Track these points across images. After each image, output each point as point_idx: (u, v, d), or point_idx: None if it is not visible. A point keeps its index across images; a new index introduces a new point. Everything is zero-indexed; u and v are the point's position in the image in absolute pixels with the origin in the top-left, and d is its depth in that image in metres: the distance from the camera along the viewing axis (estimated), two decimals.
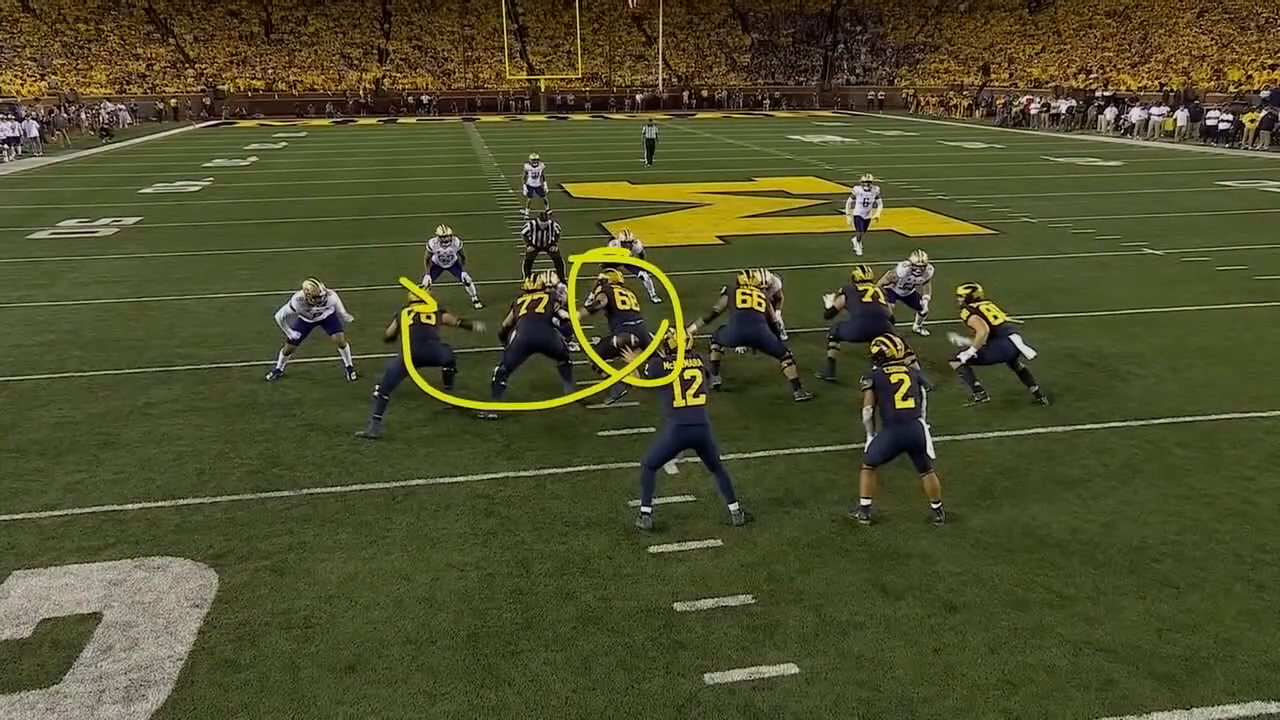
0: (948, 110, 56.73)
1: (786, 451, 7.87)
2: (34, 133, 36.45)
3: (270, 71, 63.40)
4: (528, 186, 19.85)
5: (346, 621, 5.45)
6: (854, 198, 15.31)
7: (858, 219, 15.29)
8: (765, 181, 25.70)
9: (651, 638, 5.32)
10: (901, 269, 10.87)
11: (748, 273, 9.83)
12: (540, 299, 9.13)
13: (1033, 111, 46.77)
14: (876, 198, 15.12)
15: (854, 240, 15.65)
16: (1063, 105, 46.01)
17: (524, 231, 13.65)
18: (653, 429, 8.29)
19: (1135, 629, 5.39)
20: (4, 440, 8.02)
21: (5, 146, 33.51)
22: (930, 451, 6.65)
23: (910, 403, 6.55)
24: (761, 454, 7.83)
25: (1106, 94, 46.33)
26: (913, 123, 50.45)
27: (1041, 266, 14.82)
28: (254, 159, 33.55)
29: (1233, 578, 5.91)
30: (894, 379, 6.61)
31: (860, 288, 9.84)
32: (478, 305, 12.16)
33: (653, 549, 6.29)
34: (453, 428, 8.37)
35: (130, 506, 6.81)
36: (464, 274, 12.45)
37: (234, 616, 5.46)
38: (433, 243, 12.29)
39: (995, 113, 50.93)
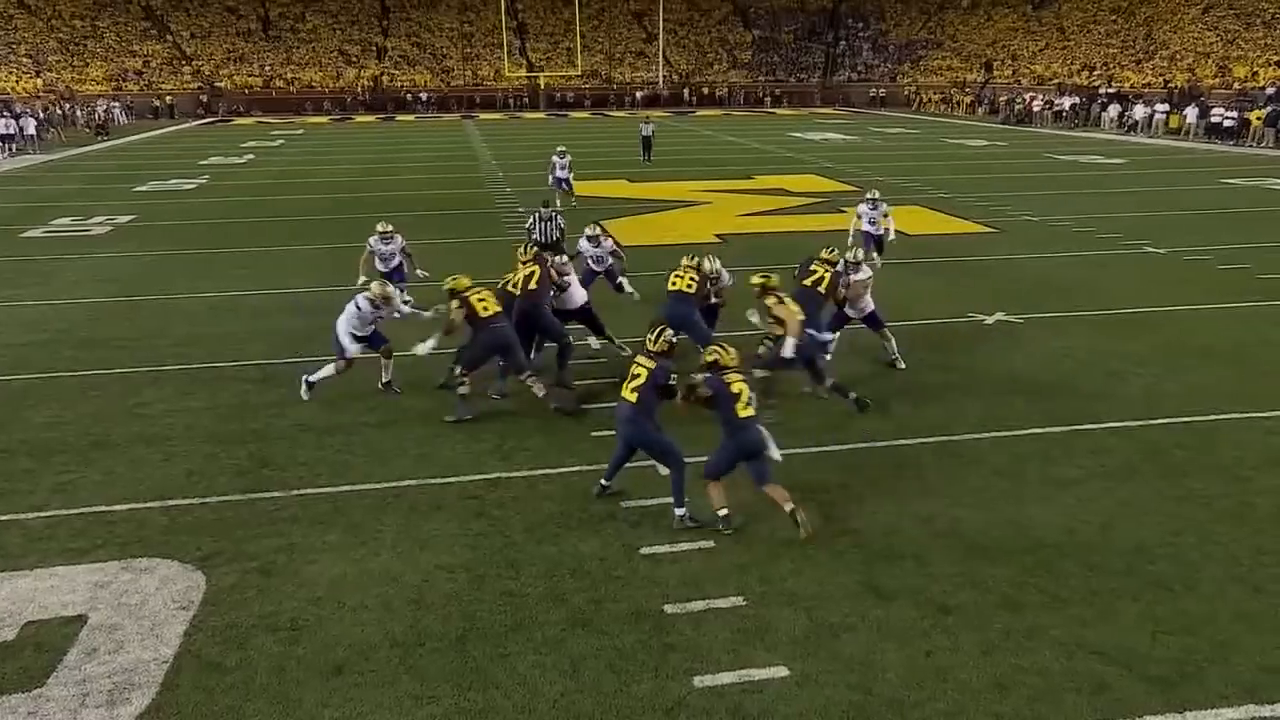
0: (950, 108, 56.69)
1: (781, 451, 7.82)
2: (31, 130, 36.48)
3: (268, 69, 63.41)
4: (554, 178, 20.32)
5: (334, 623, 5.44)
6: (859, 215, 13.84)
7: (866, 235, 13.68)
8: (765, 179, 25.68)
9: (641, 640, 5.31)
10: (862, 208, 12.91)
11: (690, 257, 9.86)
12: (533, 272, 9.12)
13: (1036, 109, 46.72)
14: (884, 215, 13.62)
15: (872, 254, 13.07)
16: (1066, 102, 45.99)
17: (527, 225, 13.38)
18: None
19: (1129, 631, 5.37)
20: None
21: (0, 144, 33.54)
22: (774, 453, 6.49)
23: (751, 410, 6.51)
24: None
25: (1110, 91, 46.30)
26: (915, 120, 50.41)
27: (1041, 265, 14.80)
28: (250, 157, 33.54)
29: (1229, 579, 5.89)
30: (734, 388, 6.49)
31: (813, 268, 9.45)
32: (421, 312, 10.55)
33: (644, 550, 6.29)
34: (446, 427, 8.36)
35: (118, 508, 6.80)
36: (404, 280, 11.17)
37: (221, 619, 5.46)
38: (373, 240, 11.30)
39: (998, 110, 50.88)
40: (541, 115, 58.17)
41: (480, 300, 8.51)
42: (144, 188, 24.99)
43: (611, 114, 57.42)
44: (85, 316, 12.08)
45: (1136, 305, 12.35)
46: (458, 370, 8.69)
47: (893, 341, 9.96)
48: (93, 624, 5.37)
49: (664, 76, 65.41)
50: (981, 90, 56.70)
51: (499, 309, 8.61)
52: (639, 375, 6.66)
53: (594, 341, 10.29)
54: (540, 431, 8.27)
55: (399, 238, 11.40)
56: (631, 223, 18.76)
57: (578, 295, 9.95)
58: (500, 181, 25.41)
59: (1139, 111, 40.22)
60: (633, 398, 6.64)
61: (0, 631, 5.31)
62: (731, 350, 6.74)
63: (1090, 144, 35.42)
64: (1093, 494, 7.06)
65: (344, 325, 8.73)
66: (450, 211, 20.32)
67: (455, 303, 8.46)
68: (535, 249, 9.74)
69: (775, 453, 6.56)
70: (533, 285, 9.11)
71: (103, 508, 6.80)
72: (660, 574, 6.00)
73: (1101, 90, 47.03)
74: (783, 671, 5.03)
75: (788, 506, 6.38)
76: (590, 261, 11.40)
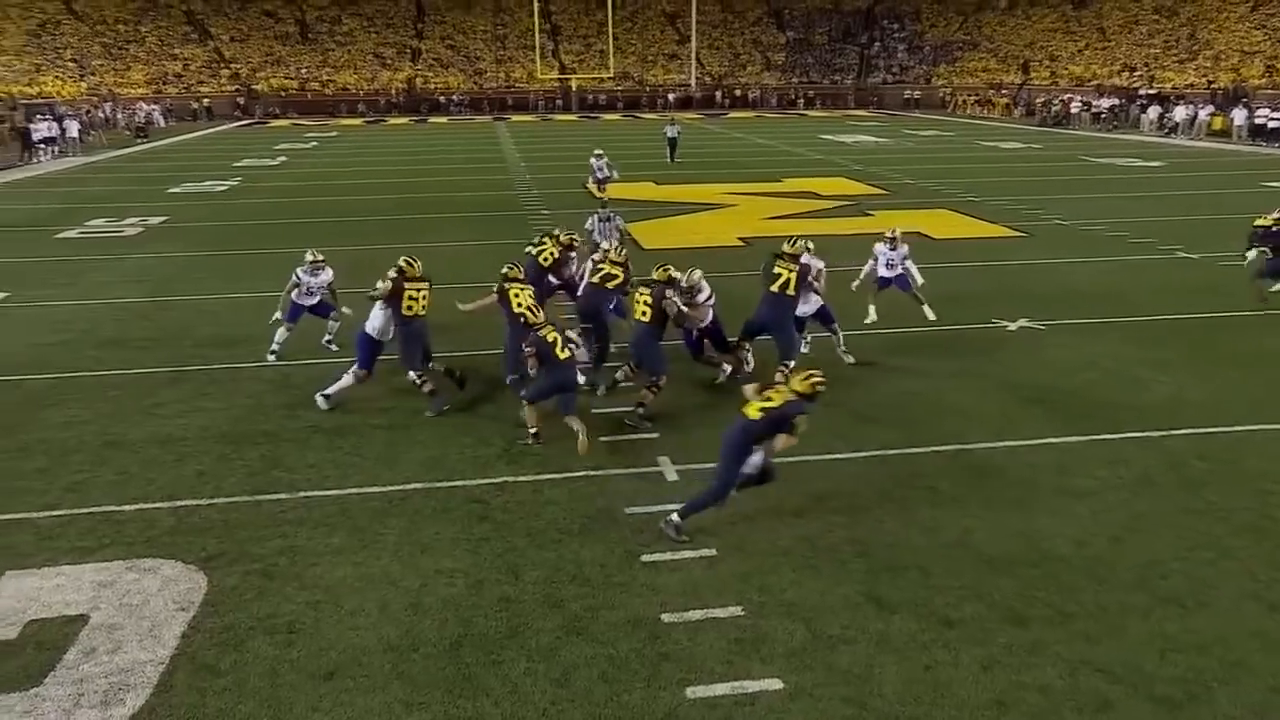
0: (985, 109, 56.01)
1: (791, 459, 7.75)
2: (73, 133, 37.22)
3: (304, 71, 64.23)
4: (596, 180, 20.67)
5: (330, 627, 5.47)
6: (876, 257, 11.30)
7: (881, 279, 11.35)
8: (793, 182, 25.52)
9: (635, 649, 5.27)
10: (879, 249, 11.13)
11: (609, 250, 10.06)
12: (615, 275, 9.61)
13: (1073, 110, 46.00)
14: (904, 259, 11.15)
15: (869, 301, 11.44)
16: (1104, 104, 45.22)
17: (586, 226, 13.04)
18: (657, 434, 8.27)
19: (1137, 648, 5.24)
20: (11, 439, 8.17)
21: (43, 146, 34.26)
22: (749, 467, 6.48)
23: (567, 353, 7.84)
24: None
25: (1150, 92, 45.46)
26: (949, 122, 49.87)
27: (1069, 270, 14.55)
28: (283, 159, 33.97)
29: (1244, 596, 5.73)
30: (549, 338, 7.81)
31: (776, 269, 9.11)
32: (333, 347, 10.58)
33: (645, 558, 6.25)
34: (456, 430, 8.38)
35: (128, 508, 6.89)
36: (332, 313, 10.50)
37: (219, 620, 5.50)
38: (300, 271, 10.17)
39: (1034, 112, 50.18)
40: (573, 117, 58.33)
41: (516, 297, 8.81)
42: (177, 189, 25.40)
43: (643, 116, 57.43)
44: (111, 316, 12.28)
45: (1165, 312, 12.09)
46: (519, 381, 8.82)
47: (841, 335, 10.17)
48: (94, 624, 5.44)
49: (696, 78, 65.30)
50: (1018, 92, 55.96)
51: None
52: (772, 400, 6.38)
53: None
54: (548, 437, 8.24)
55: (328, 270, 10.33)
56: (656, 225, 18.74)
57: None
58: (527, 183, 25.49)
59: (1180, 113, 39.43)
60: (756, 416, 6.36)
61: (4, 629, 5.39)
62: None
63: (1128, 146, 34.81)
64: (1107, 506, 6.91)
65: (371, 325, 8.88)
66: (476, 213, 20.42)
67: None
68: (624, 251, 10.05)
69: (750, 466, 6.48)
70: (609, 285, 9.55)
71: (112, 507, 6.89)
72: (660, 582, 5.96)
73: (1141, 91, 46.19)
74: (777, 684, 4.96)
75: (576, 426, 7.70)
76: (598, 236, 12.12)
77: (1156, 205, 20.76)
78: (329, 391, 8.88)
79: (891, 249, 11.31)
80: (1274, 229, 12.15)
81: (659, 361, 8.65)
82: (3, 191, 25.84)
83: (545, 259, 10.52)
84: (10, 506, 6.91)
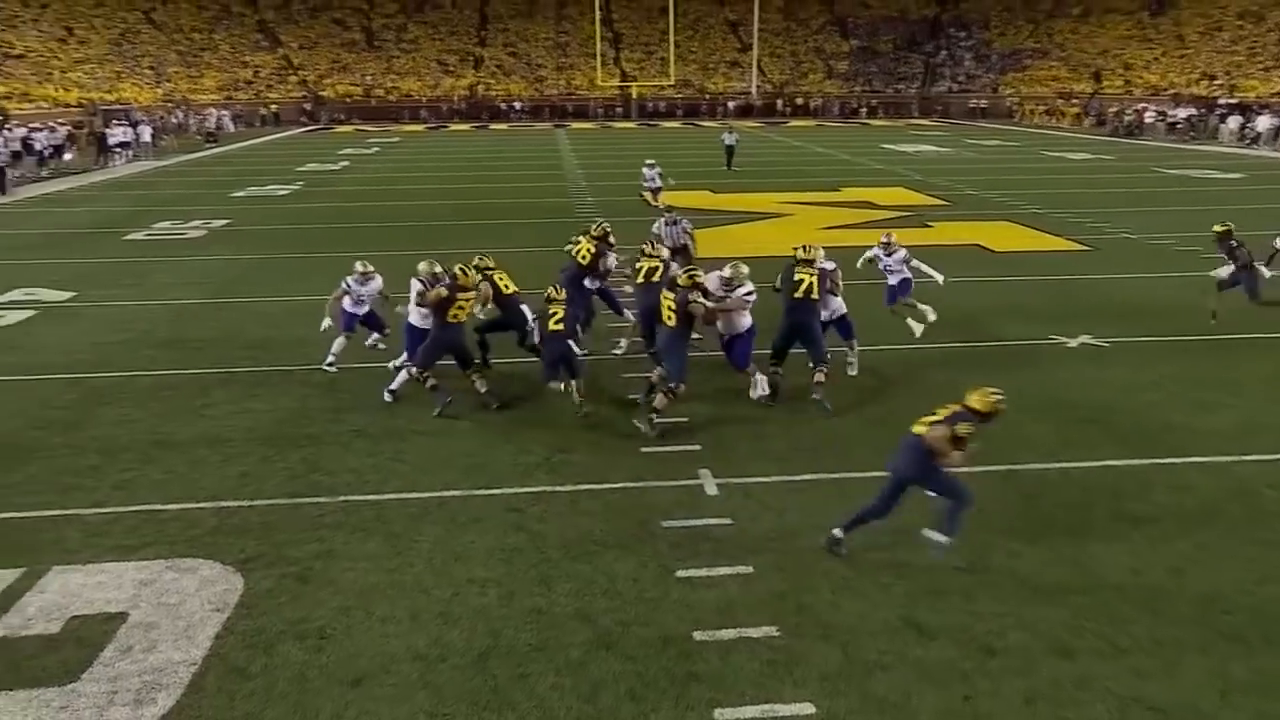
0: (1054, 119, 54.76)
1: (834, 476, 7.62)
2: (147, 137, 38.46)
3: (369, 78, 65.57)
4: (650, 190, 20.91)
5: (361, 633, 5.48)
6: (872, 260, 11.25)
7: (888, 290, 11.17)
8: (851, 192, 25.22)
9: (665, 667, 5.18)
10: (875, 253, 11.15)
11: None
12: (656, 267, 9.94)
13: (1147, 120, 44.73)
14: (904, 262, 10.97)
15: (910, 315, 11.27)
16: (1180, 114, 43.87)
17: (654, 230, 12.88)
18: (699, 445, 8.18)
19: (1194, 688, 4.99)
20: (68, 436, 8.40)
21: (118, 150, 35.47)
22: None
23: (559, 326, 8.83)
24: (808, 477, 7.60)
25: (1230, 102, 43.98)
26: (1015, 132, 48.89)
27: (1135, 285, 14.08)
28: (346, 164, 34.65)
29: None
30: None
31: (797, 276, 8.97)
32: (380, 346, 10.55)
33: (680, 573, 6.16)
34: (499, 437, 8.39)
35: (172, 507, 7.02)
36: (378, 324, 10.44)
37: (252, 623, 5.55)
38: (350, 281, 10.11)
39: (1105, 121, 48.90)
40: (632, 125, 58.53)
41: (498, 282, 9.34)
42: (241, 193, 26.05)
43: (702, 124, 57.38)
44: (169, 317, 12.60)
45: (1237, 331, 11.60)
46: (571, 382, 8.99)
47: (856, 348, 10.16)
48: (132, 622, 5.54)
49: (757, 86, 65.05)
50: (1089, 101, 54.60)
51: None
52: (937, 415, 6.12)
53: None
54: (589, 446, 8.22)
55: (378, 279, 10.27)
56: (711, 234, 18.58)
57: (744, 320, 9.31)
58: (583, 190, 25.61)
59: (1263, 123, 38.06)
60: (922, 432, 6.10)
61: (48, 624, 5.52)
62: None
63: (1205, 158, 33.69)
64: (1167, 534, 6.62)
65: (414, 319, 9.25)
66: (530, 220, 20.55)
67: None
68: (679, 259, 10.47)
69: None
70: (656, 279, 9.80)
71: (158, 506, 7.03)
72: (694, 598, 5.86)
73: (1221, 101, 44.70)
74: (809, 709, 4.83)
75: (575, 391, 8.65)
76: (666, 240, 12.09)
77: (1232, 218, 19.94)
78: (394, 387, 9.33)
79: (887, 254, 11.03)
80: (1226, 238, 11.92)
81: (678, 368, 8.48)
82: (79, 194, 26.79)
83: (583, 256, 10.61)
84: (63, 502, 7.09)
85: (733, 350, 9.21)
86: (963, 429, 5.93)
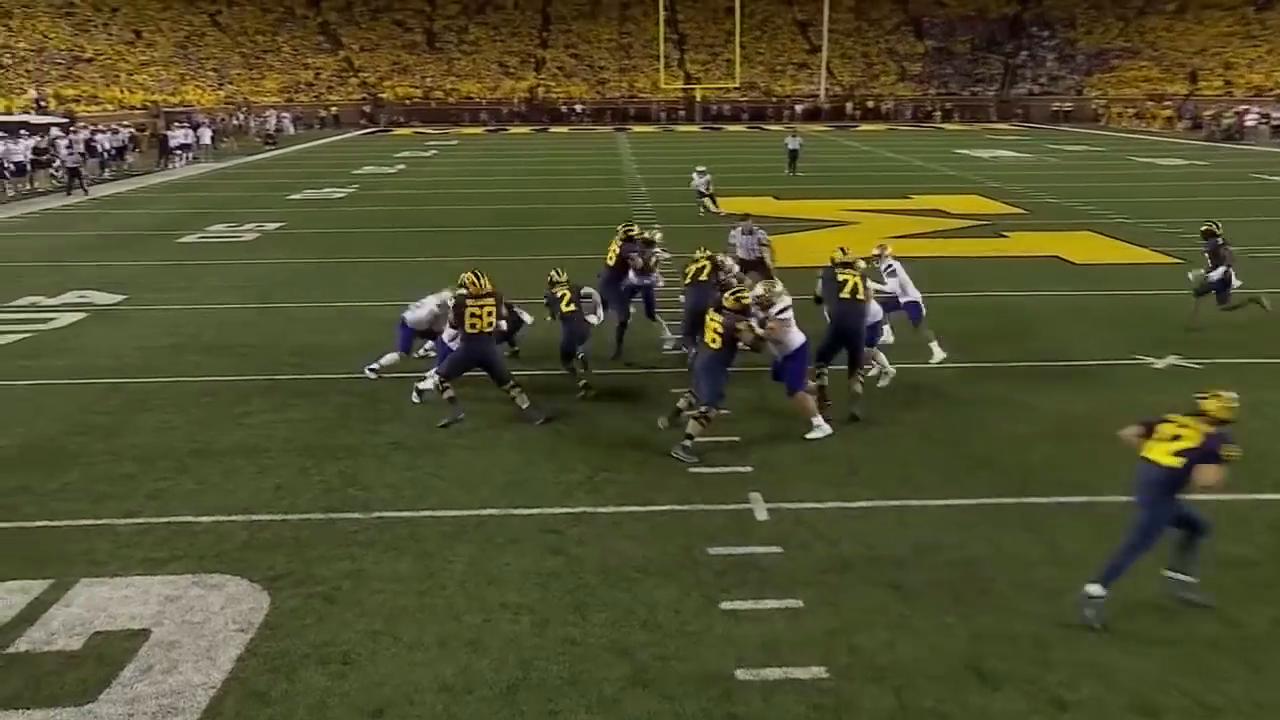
0: (1145, 123, 53.15)
1: (894, 503, 7.33)
2: (207, 139, 39.57)
3: (429, 80, 66.65)
4: (699, 195, 21.56)
5: (386, 660, 5.38)
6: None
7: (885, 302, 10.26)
8: (921, 199, 24.73)
9: (704, 708, 4.97)
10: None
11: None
12: (704, 266, 10.07)
13: (1248, 123, 43.11)
14: (888, 270, 10.52)
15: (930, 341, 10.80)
16: None
17: (730, 240, 12.72)
18: (750, 467, 7.96)
19: None
20: (107, 443, 8.51)
21: (179, 152, 36.55)
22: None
23: (573, 307, 9.49)
24: (865, 503, 7.32)
25: None
26: (1102, 137, 47.59)
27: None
28: (402, 167, 35.15)
29: None
30: (558, 294, 9.33)
31: (840, 278, 8.89)
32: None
33: (725, 605, 5.94)
34: (540, 453, 8.28)
35: (204, 519, 7.03)
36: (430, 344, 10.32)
37: (275, 645, 5.49)
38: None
39: (1201, 125, 47.29)
40: (695, 128, 58.42)
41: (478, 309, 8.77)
42: (297, 196, 26.56)
43: (768, 128, 57.00)
44: (216, 322, 12.80)
45: None
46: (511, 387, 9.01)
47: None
48: (154, 639, 5.51)
49: (825, 89, 64.44)
50: (1183, 103, 52.88)
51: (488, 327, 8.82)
52: (1182, 437, 5.63)
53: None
54: (634, 465, 8.05)
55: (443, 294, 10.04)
56: (772, 243, 18.33)
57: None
58: (642, 196, 25.54)
59: None
60: (1174, 463, 5.58)
61: (70, 640, 5.52)
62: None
63: None
64: (1269, 578, 6.20)
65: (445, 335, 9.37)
66: (585, 226, 20.49)
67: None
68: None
69: None
70: (704, 278, 9.98)
71: (189, 518, 7.04)
72: (738, 633, 5.64)
73: None
74: None
75: (523, 403, 8.85)
76: (740, 251, 12.20)
77: None
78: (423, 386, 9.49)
79: (884, 266, 10.54)
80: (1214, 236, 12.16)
81: (712, 390, 8.17)
82: (138, 196, 27.61)
83: (609, 259, 10.95)
84: (96, 511, 7.16)
85: (784, 372, 8.88)
86: (1231, 453, 5.57)
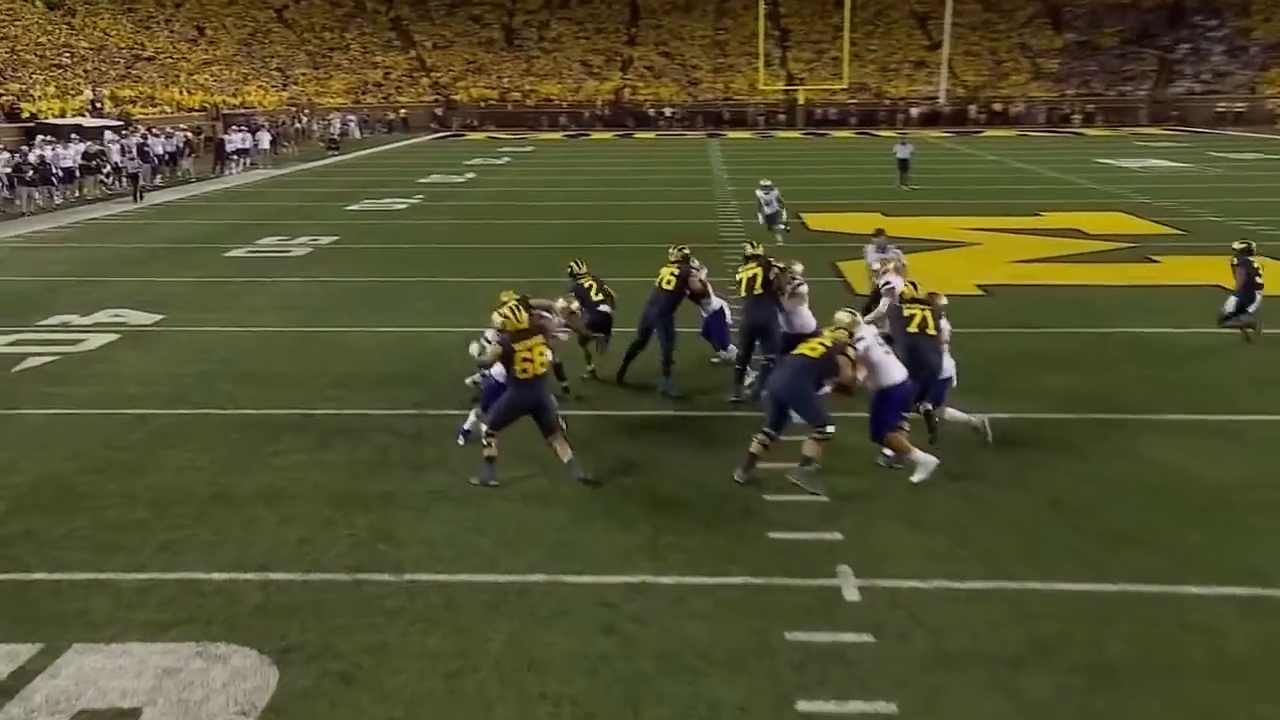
0: None
1: (1013, 586, 6.82)
2: (265, 144, 40.85)
3: (505, 81, 67.83)
4: (764, 216, 20.50)
5: None
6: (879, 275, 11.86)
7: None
8: (1055, 217, 23.92)
9: None
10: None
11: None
12: (754, 275, 10.23)
13: None
14: (885, 267, 11.67)
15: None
16: None
17: (866, 259, 12.94)
18: (839, 534, 7.56)
19: None
20: (122, 483, 8.56)
21: (235, 158, 37.79)
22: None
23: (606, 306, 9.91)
24: (978, 585, 6.83)
25: None
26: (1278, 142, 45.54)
27: None
28: (471, 175, 35.64)
29: None
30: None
31: (907, 313, 9.06)
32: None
33: (802, 705, 5.54)
34: (596, 511, 8.01)
35: (216, 576, 6.95)
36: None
37: None
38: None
39: None
40: (797, 134, 58.05)
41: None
42: (356, 206, 27.08)
43: (878, 134, 56.26)
44: (254, 347, 12.95)
45: None
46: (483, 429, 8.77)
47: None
48: None
49: (946, 90, 63.34)
50: None
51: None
52: None
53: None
54: (705, 526, 7.72)
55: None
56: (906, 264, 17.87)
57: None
58: (732, 211, 25.28)
59: None
60: None
61: (53, 716, 5.44)
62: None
63: None
64: None
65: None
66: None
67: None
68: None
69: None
70: (758, 289, 10.28)
71: (201, 575, 6.97)
72: None
73: None
74: None
75: (567, 458, 8.35)
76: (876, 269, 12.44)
77: None
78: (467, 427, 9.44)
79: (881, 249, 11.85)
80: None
81: (818, 410, 8.17)
82: (189, 204, 28.56)
83: (667, 282, 11.01)
84: (100, 564, 7.14)
85: (873, 413, 8.61)
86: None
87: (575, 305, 10.78)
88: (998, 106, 62.46)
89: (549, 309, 9.96)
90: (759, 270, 10.34)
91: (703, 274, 11.39)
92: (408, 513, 8.01)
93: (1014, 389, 10.90)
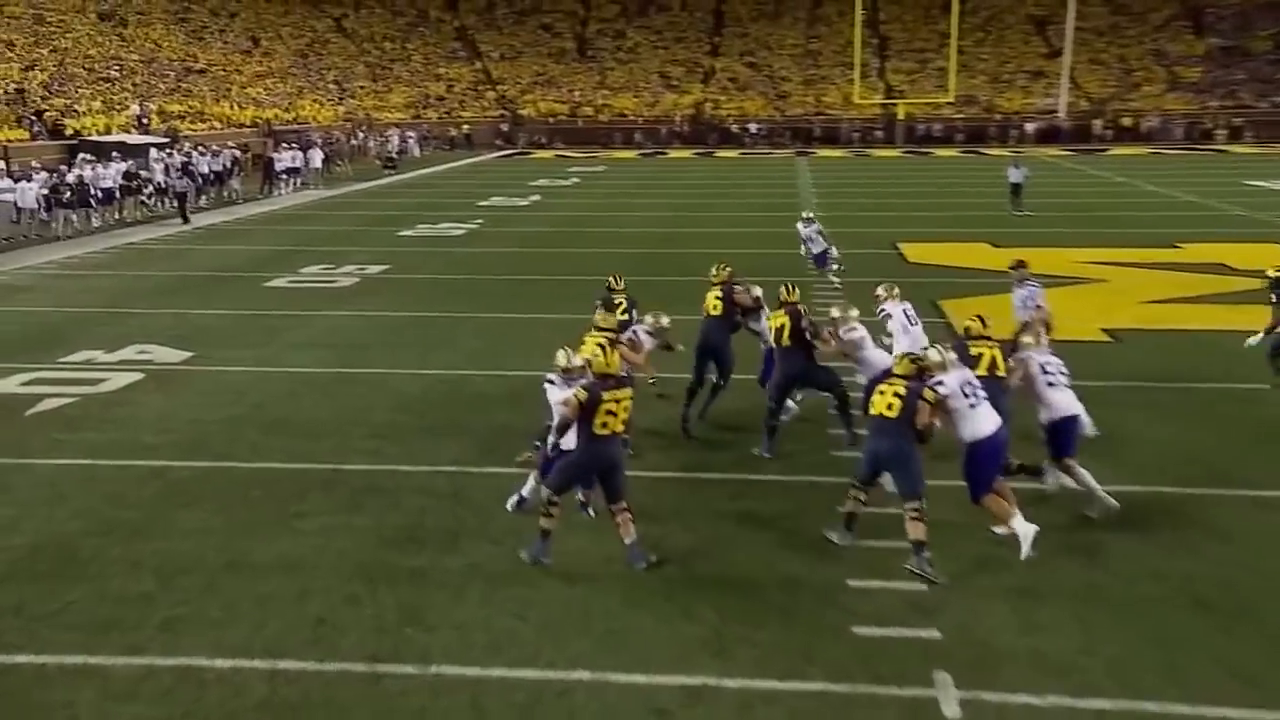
0: None
1: (1151, 707, 6.26)
2: (318, 163, 41.58)
3: (577, 94, 68.38)
4: (813, 256, 20.24)
5: None
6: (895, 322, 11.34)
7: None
8: (1195, 250, 23.06)
9: None
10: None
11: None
12: (783, 325, 10.13)
13: None
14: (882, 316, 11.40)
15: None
16: None
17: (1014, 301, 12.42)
18: (938, 633, 7.07)
19: None
20: (128, 547, 8.43)
21: (285, 177, 38.49)
22: None
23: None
24: (1105, 704, 6.28)
25: None
26: None
27: None
28: (536, 198, 35.80)
29: None
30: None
31: (974, 350, 9.15)
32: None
33: None
34: (651, 595, 7.63)
35: (220, 663, 6.72)
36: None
37: None
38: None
39: None
40: (895, 153, 57.42)
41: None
42: (409, 232, 27.28)
43: (988, 152, 55.32)
44: (287, 389, 12.89)
45: None
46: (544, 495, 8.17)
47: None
48: None
49: (1067, 103, 62.12)
50: None
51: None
52: None
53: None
54: (780, 616, 7.29)
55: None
56: (985, 303, 17.24)
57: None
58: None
59: None
60: None
61: None
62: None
63: None
64: None
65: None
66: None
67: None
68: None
69: None
70: (786, 340, 10.16)
71: (203, 661, 6.75)
72: None
73: None
74: None
75: (628, 540, 7.96)
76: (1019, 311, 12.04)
77: None
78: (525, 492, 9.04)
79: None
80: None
81: (916, 476, 7.83)
82: (232, 228, 29.10)
83: (713, 308, 11.25)
84: (93, 646, 6.96)
85: (966, 468, 8.28)
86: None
87: (758, 292, 11.47)
88: (1127, 121, 60.92)
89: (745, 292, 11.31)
90: (787, 320, 10.19)
91: (756, 291, 11.55)
92: (440, 591, 7.74)
93: (1144, 455, 10.30)
